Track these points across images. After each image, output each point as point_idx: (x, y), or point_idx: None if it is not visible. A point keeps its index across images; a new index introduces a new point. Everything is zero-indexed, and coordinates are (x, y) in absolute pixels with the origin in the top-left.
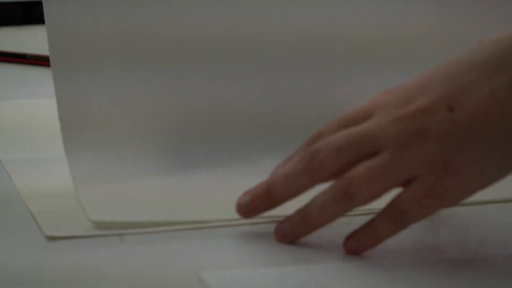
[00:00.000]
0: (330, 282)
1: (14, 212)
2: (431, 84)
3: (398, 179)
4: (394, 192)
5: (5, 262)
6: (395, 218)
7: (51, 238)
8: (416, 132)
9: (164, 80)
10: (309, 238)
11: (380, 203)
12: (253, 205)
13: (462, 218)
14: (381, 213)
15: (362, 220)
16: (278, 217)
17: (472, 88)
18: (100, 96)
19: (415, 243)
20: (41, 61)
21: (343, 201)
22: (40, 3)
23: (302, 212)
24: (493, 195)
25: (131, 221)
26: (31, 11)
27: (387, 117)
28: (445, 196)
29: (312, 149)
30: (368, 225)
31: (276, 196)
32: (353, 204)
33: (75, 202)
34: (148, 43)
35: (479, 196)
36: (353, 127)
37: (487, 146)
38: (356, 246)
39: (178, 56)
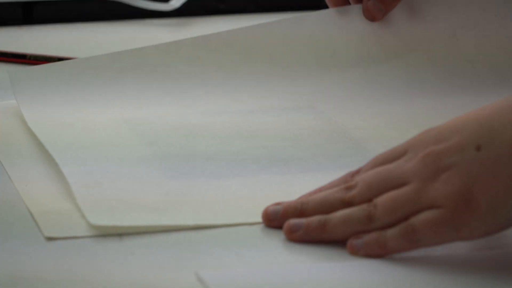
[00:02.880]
0: (330, 282)
1: (14, 212)
2: (463, 126)
3: (419, 206)
4: None
5: (4, 262)
6: (408, 236)
7: (51, 239)
8: (441, 168)
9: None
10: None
11: None
12: (282, 215)
13: None
14: (396, 228)
15: None
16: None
17: (502, 130)
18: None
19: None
20: (41, 61)
21: (363, 222)
22: (40, 3)
23: (322, 220)
24: None
25: (131, 225)
26: (31, 11)
27: (416, 154)
28: (461, 229)
29: (349, 184)
30: (379, 233)
31: (306, 213)
32: (372, 227)
33: (75, 203)
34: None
35: None
36: (387, 164)
37: (510, 186)
38: (361, 248)
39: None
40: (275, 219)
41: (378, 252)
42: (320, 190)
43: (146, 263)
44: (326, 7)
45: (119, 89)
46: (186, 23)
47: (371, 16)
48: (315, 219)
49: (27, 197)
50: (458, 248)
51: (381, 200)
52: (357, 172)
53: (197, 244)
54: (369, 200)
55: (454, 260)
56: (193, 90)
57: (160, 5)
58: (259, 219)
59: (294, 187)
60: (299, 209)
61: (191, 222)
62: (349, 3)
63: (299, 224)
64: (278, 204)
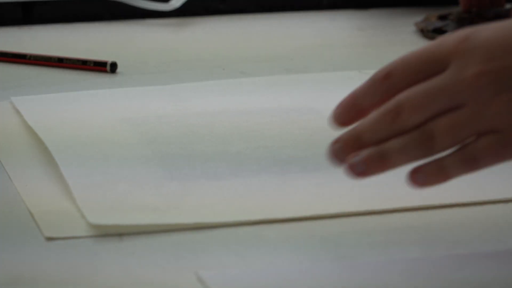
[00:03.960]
0: (330, 282)
1: (14, 212)
2: None
3: (479, 131)
4: None
5: (4, 262)
6: (467, 160)
7: (51, 239)
8: (500, 90)
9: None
10: (307, 235)
11: (392, 203)
12: (343, 151)
13: (462, 218)
14: (453, 154)
15: (362, 220)
16: (277, 219)
17: None
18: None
19: (415, 241)
20: (41, 61)
21: (422, 147)
22: (40, 3)
23: (379, 152)
24: (493, 195)
25: (131, 224)
26: (31, 11)
27: (468, 71)
28: None
29: (396, 105)
30: (437, 162)
31: (364, 143)
32: (432, 151)
33: (75, 203)
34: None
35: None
36: (431, 79)
37: None
38: (424, 180)
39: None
40: (340, 158)
41: (440, 180)
42: (360, 106)
43: (146, 263)
44: (325, 8)
45: (118, 92)
46: (186, 23)
47: None
48: (371, 155)
49: (27, 197)
50: (458, 248)
51: (439, 125)
52: (388, 76)
53: (197, 244)
54: (422, 124)
55: (454, 260)
56: (193, 90)
57: (160, 5)
58: (259, 217)
59: (294, 187)
60: (357, 144)
61: (191, 220)
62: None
63: (358, 164)
64: (337, 141)
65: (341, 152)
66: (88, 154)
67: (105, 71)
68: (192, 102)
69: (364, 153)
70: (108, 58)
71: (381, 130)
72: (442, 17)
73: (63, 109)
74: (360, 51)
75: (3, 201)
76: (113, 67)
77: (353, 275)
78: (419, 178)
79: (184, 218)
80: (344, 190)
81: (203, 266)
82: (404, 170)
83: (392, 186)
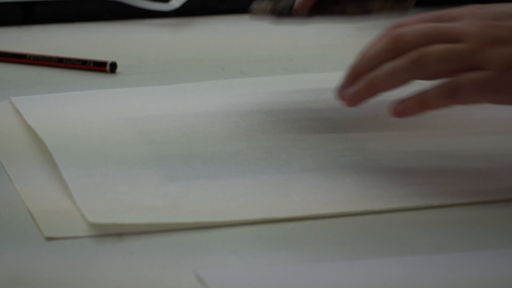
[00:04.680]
0: (329, 282)
1: (13, 212)
2: None
3: (468, 65)
4: None
5: (4, 262)
6: (449, 91)
7: (50, 239)
8: (501, 39)
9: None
10: (307, 235)
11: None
12: (345, 85)
13: (461, 217)
14: (436, 85)
15: (362, 220)
16: (277, 218)
17: None
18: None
19: (413, 241)
20: (40, 61)
21: (412, 66)
22: (40, 3)
23: (368, 78)
24: (493, 195)
25: (130, 223)
26: (31, 11)
27: (477, 22)
28: (501, 92)
29: (397, 33)
30: (420, 94)
31: (359, 75)
32: (420, 73)
33: (74, 203)
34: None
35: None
36: (439, 23)
37: None
38: (404, 108)
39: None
40: (343, 92)
41: (419, 110)
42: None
43: (146, 263)
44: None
45: (118, 92)
46: (186, 23)
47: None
48: (361, 82)
49: (26, 197)
50: (458, 248)
51: (433, 48)
52: (401, 25)
53: (196, 244)
54: (417, 46)
55: (454, 260)
56: (193, 90)
57: (160, 5)
58: (258, 217)
59: (293, 187)
60: (355, 73)
61: (190, 219)
62: None
63: (352, 93)
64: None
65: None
66: (87, 154)
67: (105, 71)
68: (192, 102)
69: (358, 82)
70: (108, 58)
71: (379, 55)
72: None
73: (63, 109)
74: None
75: (2, 201)
76: (112, 67)
77: (353, 275)
78: (399, 107)
79: (183, 218)
80: (344, 190)
81: (203, 266)
82: (404, 171)
83: (392, 185)
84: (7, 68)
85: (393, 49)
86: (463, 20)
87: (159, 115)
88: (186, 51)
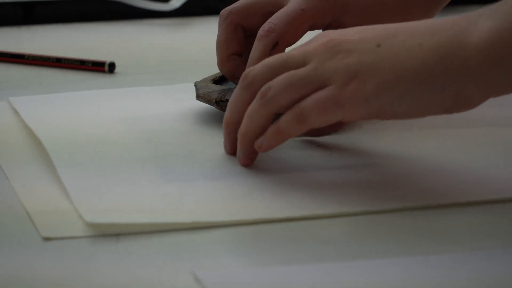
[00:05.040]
0: (327, 282)
1: (11, 212)
2: (367, 29)
3: (314, 85)
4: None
5: (1, 262)
6: (297, 116)
7: (48, 239)
8: (341, 51)
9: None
10: (304, 236)
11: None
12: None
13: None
14: (286, 113)
15: (360, 221)
16: (276, 218)
17: (404, 38)
18: None
19: (413, 241)
20: (39, 61)
21: (263, 103)
22: (40, 3)
23: (239, 133)
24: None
25: (128, 222)
26: (31, 11)
27: (320, 41)
28: (345, 105)
29: (246, 71)
30: (274, 124)
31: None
32: (273, 106)
33: (72, 203)
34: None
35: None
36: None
37: (400, 82)
38: (262, 141)
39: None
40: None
41: (277, 139)
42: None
43: (143, 263)
44: None
45: (116, 92)
46: (186, 23)
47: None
48: (239, 136)
49: (24, 197)
50: (458, 248)
51: (277, 78)
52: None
53: (194, 244)
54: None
55: (453, 260)
56: (192, 89)
57: (160, 5)
58: (257, 216)
59: (293, 187)
60: (226, 123)
61: (188, 219)
62: None
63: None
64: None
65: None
66: (85, 154)
67: (103, 71)
68: (191, 102)
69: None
70: (107, 58)
71: (238, 96)
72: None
73: (61, 109)
74: None
75: (0, 201)
76: (111, 67)
77: (353, 275)
78: (259, 141)
79: (181, 218)
80: (342, 190)
81: (200, 267)
82: (405, 170)
83: (392, 185)
84: (6, 68)
85: (244, 86)
86: (309, 44)
87: (157, 115)
88: (186, 51)
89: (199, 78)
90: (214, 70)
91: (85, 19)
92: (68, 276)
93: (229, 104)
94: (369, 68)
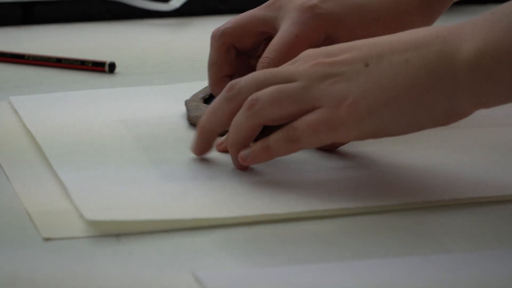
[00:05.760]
0: (326, 282)
1: (11, 213)
2: (354, 46)
3: (303, 106)
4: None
5: (2, 262)
6: (288, 136)
7: (48, 239)
8: (330, 74)
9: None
10: (303, 236)
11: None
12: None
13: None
14: (277, 132)
15: (359, 221)
16: (275, 216)
17: (390, 55)
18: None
19: (413, 241)
20: (39, 61)
21: (249, 115)
22: (40, 3)
23: (227, 143)
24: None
25: (128, 220)
26: (31, 11)
27: (308, 61)
28: (338, 128)
29: (232, 82)
30: (263, 140)
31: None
32: (259, 118)
33: (73, 204)
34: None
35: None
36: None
37: (392, 101)
38: (247, 155)
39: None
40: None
41: (264, 156)
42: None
43: (144, 263)
44: None
45: (116, 92)
46: (186, 23)
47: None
48: (228, 147)
49: (24, 197)
50: (458, 248)
51: (265, 90)
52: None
53: (194, 244)
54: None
55: (453, 260)
56: (192, 89)
57: (160, 5)
58: (257, 212)
59: (293, 185)
60: (201, 127)
61: (189, 216)
62: None
63: (247, 154)
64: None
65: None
66: (85, 154)
67: (103, 72)
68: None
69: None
70: (107, 58)
71: (219, 106)
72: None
73: (61, 109)
74: None
75: (0, 201)
76: (111, 68)
77: (353, 275)
78: (244, 153)
79: (182, 214)
80: (343, 187)
81: (200, 267)
82: (405, 169)
83: (393, 183)
84: (6, 68)
85: (229, 97)
86: (297, 62)
87: (157, 115)
88: (186, 51)
89: (199, 78)
90: None
91: (85, 19)
92: (68, 276)
93: (208, 110)
94: (360, 90)
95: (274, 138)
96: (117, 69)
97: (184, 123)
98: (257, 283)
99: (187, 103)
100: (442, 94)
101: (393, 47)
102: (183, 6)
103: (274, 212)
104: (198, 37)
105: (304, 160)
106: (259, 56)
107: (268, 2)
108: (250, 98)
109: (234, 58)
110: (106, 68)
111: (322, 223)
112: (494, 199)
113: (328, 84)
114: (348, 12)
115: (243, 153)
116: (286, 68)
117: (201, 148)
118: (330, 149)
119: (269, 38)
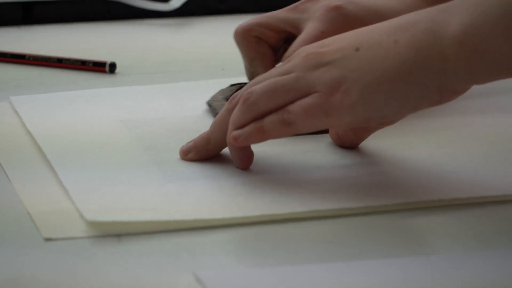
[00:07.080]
0: (327, 282)
1: (12, 213)
2: (344, 36)
3: (297, 93)
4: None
5: (2, 263)
6: (282, 118)
7: (49, 239)
8: (322, 63)
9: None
10: (304, 236)
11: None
12: (194, 148)
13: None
14: (272, 114)
15: (360, 221)
16: (275, 216)
17: (380, 38)
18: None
19: (413, 241)
20: (40, 61)
21: (245, 109)
22: (40, 3)
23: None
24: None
25: (129, 220)
26: (31, 11)
27: (301, 54)
28: (331, 113)
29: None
30: (257, 122)
31: (215, 140)
32: (255, 111)
33: (73, 203)
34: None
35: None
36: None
37: (383, 83)
38: (239, 134)
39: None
40: (188, 152)
41: (257, 137)
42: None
43: (145, 264)
44: None
45: (117, 91)
46: (186, 23)
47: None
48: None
49: (25, 197)
50: (458, 248)
51: (259, 84)
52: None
53: (195, 245)
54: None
55: (453, 260)
56: (192, 89)
57: (160, 5)
58: (258, 212)
59: (294, 185)
60: (207, 138)
61: (190, 216)
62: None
63: (190, 148)
64: (191, 141)
65: (191, 150)
66: (85, 155)
67: (104, 72)
68: (191, 101)
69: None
70: (107, 58)
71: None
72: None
73: (62, 109)
74: None
75: (1, 201)
76: (112, 68)
77: (353, 275)
78: (237, 133)
79: (183, 215)
80: (344, 187)
81: (201, 267)
82: (405, 169)
83: (393, 182)
84: (7, 68)
85: (230, 108)
86: (290, 60)
87: (158, 115)
88: (186, 51)
89: (199, 78)
90: (214, 70)
91: (85, 19)
92: (69, 276)
93: (213, 122)
94: (352, 75)
95: (269, 120)
96: (117, 69)
97: (184, 123)
98: (257, 283)
99: (211, 103)
100: (432, 71)
101: (383, 30)
102: (183, 6)
103: (274, 212)
104: (198, 37)
105: (304, 160)
106: (278, 60)
107: (290, 6)
108: (245, 92)
109: (268, 47)
110: (107, 68)
111: (322, 223)
112: (494, 199)
113: (321, 72)
114: (370, 17)
115: (235, 132)
116: (282, 65)
117: (197, 155)
118: (352, 147)
119: (288, 40)
